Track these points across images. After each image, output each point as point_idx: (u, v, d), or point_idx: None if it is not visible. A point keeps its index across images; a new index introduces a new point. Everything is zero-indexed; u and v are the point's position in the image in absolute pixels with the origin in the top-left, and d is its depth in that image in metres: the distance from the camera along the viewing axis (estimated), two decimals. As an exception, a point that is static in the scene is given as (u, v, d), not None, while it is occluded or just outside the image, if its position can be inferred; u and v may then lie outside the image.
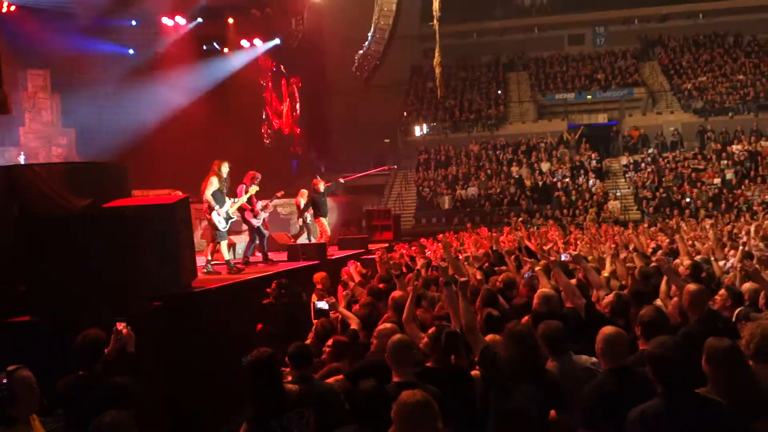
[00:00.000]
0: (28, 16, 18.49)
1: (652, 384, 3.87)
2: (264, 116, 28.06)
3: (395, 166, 18.86)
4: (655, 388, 3.82)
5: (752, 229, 12.65)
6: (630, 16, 40.04)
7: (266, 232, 12.77)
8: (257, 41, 24.75)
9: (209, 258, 11.22)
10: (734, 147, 31.11)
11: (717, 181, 29.15)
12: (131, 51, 22.18)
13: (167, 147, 20.28)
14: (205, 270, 10.78)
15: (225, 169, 11.11)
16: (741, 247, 8.31)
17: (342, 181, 16.91)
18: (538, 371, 4.50)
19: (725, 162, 30.31)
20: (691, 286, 5.65)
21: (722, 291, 6.15)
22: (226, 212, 11.12)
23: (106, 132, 19.17)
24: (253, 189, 12.14)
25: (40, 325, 6.92)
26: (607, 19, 40.52)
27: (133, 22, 21.96)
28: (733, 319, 5.50)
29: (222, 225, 11.09)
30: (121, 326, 5.06)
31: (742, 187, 28.56)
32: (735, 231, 15.05)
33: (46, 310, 7.07)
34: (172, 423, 6.95)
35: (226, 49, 24.06)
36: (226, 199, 11.22)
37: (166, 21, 21.97)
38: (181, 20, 22.06)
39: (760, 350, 4.21)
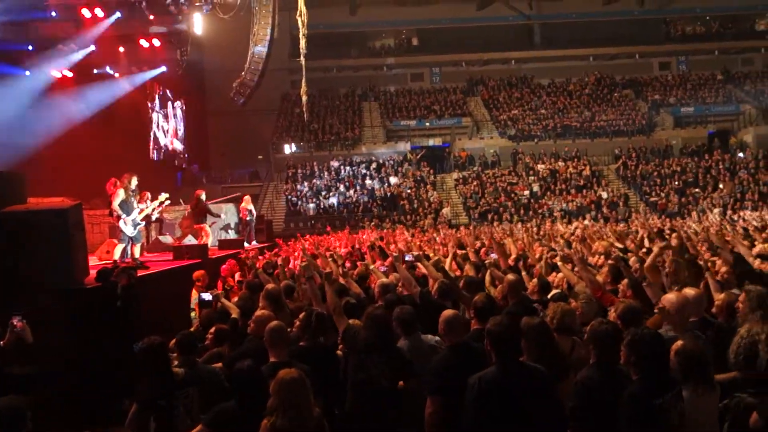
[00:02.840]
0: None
1: (484, 356, 3.96)
2: (151, 134, 26.83)
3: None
4: (486, 359, 3.91)
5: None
6: (459, 59, 41.49)
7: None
8: (145, 68, 23.66)
9: (136, 257, 10.85)
10: (539, 166, 32.85)
11: (526, 192, 30.65)
12: (27, 72, 20.58)
13: (62, 160, 18.95)
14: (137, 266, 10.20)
15: (134, 182, 10.71)
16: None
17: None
18: (390, 347, 4.49)
19: (532, 178, 31.92)
20: (510, 277, 5.83)
21: (533, 281, 6.38)
22: (133, 220, 10.66)
23: (2, 146, 17.56)
24: (162, 196, 11.78)
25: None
26: (441, 61, 41.77)
27: (30, 47, 20.38)
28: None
29: (129, 231, 10.63)
30: (15, 320, 4.63)
31: (545, 197, 30.21)
32: (541, 233, 15.85)
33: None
34: (70, 406, 6.44)
35: (117, 74, 22.82)
36: (135, 207, 10.75)
37: (61, 47, 20.54)
38: (75, 47, 20.69)
39: (560, 325, 4.45)
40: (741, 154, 33.25)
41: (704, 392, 3.48)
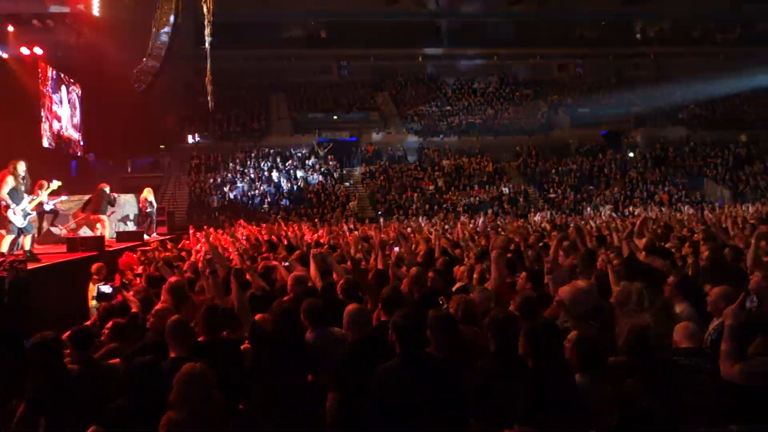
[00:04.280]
0: None
1: (389, 349, 4.01)
2: (43, 119, 25.34)
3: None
4: (390, 352, 3.96)
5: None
6: (367, 54, 41.53)
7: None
8: (37, 50, 22.26)
9: (27, 249, 10.12)
10: (444, 161, 33.53)
11: (431, 187, 31.20)
12: None
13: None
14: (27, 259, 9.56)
15: (21, 168, 10.00)
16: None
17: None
18: (298, 341, 4.46)
19: (438, 173, 32.53)
20: (413, 270, 5.93)
21: (431, 272, 6.42)
22: (23, 209, 9.99)
23: None
24: (54, 184, 11.08)
25: None
26: (349, 55, 41.71)
27: None
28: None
29: (19, 222, 9.93)
30: None
31: (449, 192, 30.85)
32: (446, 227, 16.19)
33: None
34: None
35: (5, 55, 21.39)
36: (24, 196, 10.08)
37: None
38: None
39: (463, 316, 4.57)
40: (631, 154, 35.27)
41: (598, 379, 3.67)
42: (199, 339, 4.73)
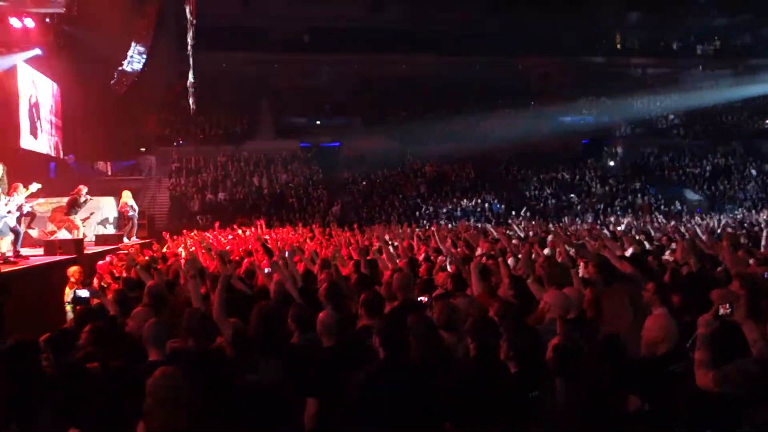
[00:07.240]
0: None
1: (365, 354, 3.98)
2: (22, 121, 24.99)
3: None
4: (368, 357, 3.93)
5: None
6: (350, 59, 41.47)
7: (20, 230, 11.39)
8: (16, 50, 21.94)
9: (2, 251, 10.00)
10: (426, 168, 33.63)
11: (413, 194, 31.25)
12: None
13: None
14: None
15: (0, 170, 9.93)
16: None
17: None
18: (283, 345, 4.42)
19: (420, 179, 32.60)
20: (397, 274, 5.91)
21: (418, 280, 6.45)
22: None
23: None
24: (33, 187, 10.93)
25: None
26: (332, 60, 41.58)
27: None
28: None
29: None
30: None
31: (432, 199, 30.91)
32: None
33: None
34: None
35: (-19, 53, 21.03)
36: (2, 197, 9.95)
37: None
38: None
39: (445, 322, 4.54)
40: (611, 163, 35.63)
41: (577, 385, 3.69)
42: (177, 343, 4.67)
